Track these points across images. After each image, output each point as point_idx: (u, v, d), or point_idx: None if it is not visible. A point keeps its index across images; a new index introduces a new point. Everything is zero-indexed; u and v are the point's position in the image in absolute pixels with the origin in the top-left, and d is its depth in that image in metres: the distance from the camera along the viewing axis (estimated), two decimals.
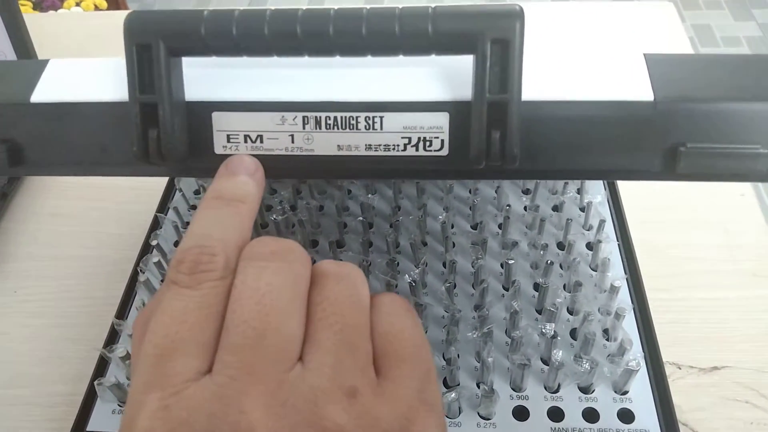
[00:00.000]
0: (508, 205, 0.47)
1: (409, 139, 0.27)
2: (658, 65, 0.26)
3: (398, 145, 0.27)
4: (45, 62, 0.29)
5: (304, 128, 0.27)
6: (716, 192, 0.58)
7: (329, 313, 0.22)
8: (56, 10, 1.61)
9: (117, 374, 0.41)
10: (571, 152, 0.25)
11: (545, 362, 0.41)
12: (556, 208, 0.49)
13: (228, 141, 0.27)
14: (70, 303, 0.52)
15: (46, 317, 0.51)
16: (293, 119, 0.27)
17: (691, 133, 0.25)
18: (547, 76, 0.26)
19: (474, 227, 0.49)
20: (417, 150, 0.27)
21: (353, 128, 0.27)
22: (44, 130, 0.27)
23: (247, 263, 0.22)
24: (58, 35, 0.82)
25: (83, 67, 0.29)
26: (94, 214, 0.59)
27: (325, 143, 0.27)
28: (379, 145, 0.27)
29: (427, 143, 0.26)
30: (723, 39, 2.10)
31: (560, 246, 0.47)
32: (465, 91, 0.26)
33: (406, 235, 0.48)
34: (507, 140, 0.24)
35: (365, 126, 0.27)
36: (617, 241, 0.47)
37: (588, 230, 0.48)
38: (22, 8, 1.58)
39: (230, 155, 0.27)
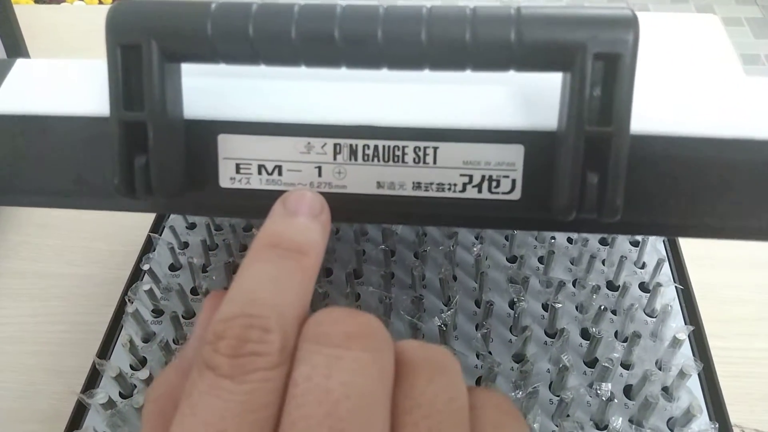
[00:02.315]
0: (553, 238, 0.41)
1: (470, 177, 0.21)
2: None
3: (455, 185, 0.21)
4: (10, 62, 0.23)
5: (335, 159, 0.21)
6: None
7: (423, 428, 0.16)
8: (59, 3, 1.55)
9: (96, 424, 0.36)
10: (685, 203, 0.20)
11: (597, 426, 0.35)
12: (603, 241, 0.43)
13: (237, 171, 0.21)
14: (51, 328, 0.47)
15: (24, 343, 0.47)
16: (322, 147, 0.21)
17: None
18: (654, 103, 0.20)
19: (511, 260, 0.43)
20: (480, 191, 0.21)
21: (398, 161, 0.21)
22: (3, 149, 0.22)
23: (314, 348, 0.16)
24: (56, 30, 0.77)
25: (58, 70, 0.23)
26: (84, 227, 0.54)
27: (362, 179, 0.21)
28: (431, 184, 0.21)
29: (494, 183, 0.20)
30: (743, 57, 2.05)
31: (609, 285, 0.41)
32: (546, 118, 0.20)
33: (433, 268, 0.42)
34: (608, 187, 0.18)
35: (414, 159, 0.21)
36: (674, 283, 0.41)
37: (641, 268, 0.42)
38: (23, 1, 1.52)
39: (239, 189, 0.21)
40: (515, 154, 0.20)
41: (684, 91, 0.21)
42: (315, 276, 0.18)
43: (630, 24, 0.18)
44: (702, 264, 0.48)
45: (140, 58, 0.19)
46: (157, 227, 0.45)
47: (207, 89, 0.22)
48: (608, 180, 0.18)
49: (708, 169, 0.19)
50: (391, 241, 0.43)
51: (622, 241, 0.43)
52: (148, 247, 0.45)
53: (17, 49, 0.58)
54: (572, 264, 0.42)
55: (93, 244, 0.52)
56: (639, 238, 0.42)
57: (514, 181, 0.20)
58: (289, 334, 0.16)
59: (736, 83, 0.21)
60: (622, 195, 0.18)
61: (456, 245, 0.42)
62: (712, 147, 0.19)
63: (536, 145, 0.20)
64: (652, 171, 0.19)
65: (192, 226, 0.45)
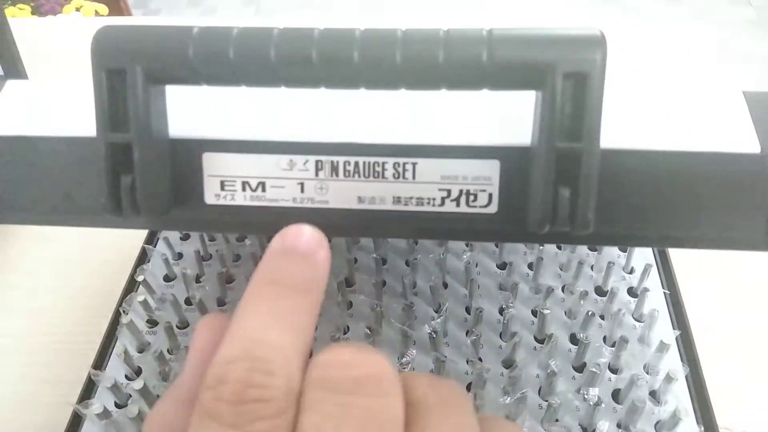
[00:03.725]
0: (541, 245, 0.42)
1: (449, 191, 0.21)
2: (763, 107, 0.21)
3: (434, 199, 0.21)
4: (1, 85, 0.24)
5: (317, 175, 0.21)
6: None
7: None
8: (55, 15, 1.55)
9: None
10: (656, 215, 0.20)
11: (585, 431, 0.35)
12: (592, 247, 0.44)
13: (222, 188, 0.22)
14: (46, 339, 0.48)
15: (19, 354, 0.47)
16: (304, 164, 0.21)
17: None
18: (626, 119, 0.21)
19: (500, 266, 0.43)
20: (458, 205, 0.21)
21: (378, 176, 0.21)
22: None
23: (321, 395, 0.15)
24: (52, 42, 0.78)
25: (48, 92, 0.24)
26: (79, 238, 0.54)
27: (343, 194, 0.21)
28: (411, 198, 0.21)
29: (471, 197, 0.21)
30: (738, 58, 2.06)
31: (598, 290, 0.42)
32: (521, 135, 0.21)
33: (424, 275, 0.42)
34: (579, 201, 0.19)
35: (394, 174, 0.21)
36: (663, 288, 0.42)
37: (629, 274, 0.43)
38: (20, 12, 1.52)
39: (224, 206, 0.21)
40: (491, 169, 0.21)
41: (657, 105, 0.21)
42: (317, 313, 0.18)
43: (597, 44, 0.18)
44: (693, 267, 0.49)
45: (125, 82, 0.19)
46: (151, 239, 0.46)
47: (192, 109, 0.22)
48: (579, 194, 0.19)
49: (677, 182, 0.20)
50: (383, 250, 0.44)
51: (611, 247, 0.43)
52: (143, 258, 0.45)
53: (14, 66, 0.59)
54: (561, 270, 0.43)
55: (88, 255, 0.52)
56: None
57: (490, 195, 0.21)
58: (294, 376, 0.16)
59: (707, 96, 0.22)
60: (594, 209, 0.19)
61: (446, 253, 0.42)
62: (680, 160, 0.20)
63: (512, 160, 0.21)
64: (622, 185, 0.20)
65: (186, 237, 0.45)
